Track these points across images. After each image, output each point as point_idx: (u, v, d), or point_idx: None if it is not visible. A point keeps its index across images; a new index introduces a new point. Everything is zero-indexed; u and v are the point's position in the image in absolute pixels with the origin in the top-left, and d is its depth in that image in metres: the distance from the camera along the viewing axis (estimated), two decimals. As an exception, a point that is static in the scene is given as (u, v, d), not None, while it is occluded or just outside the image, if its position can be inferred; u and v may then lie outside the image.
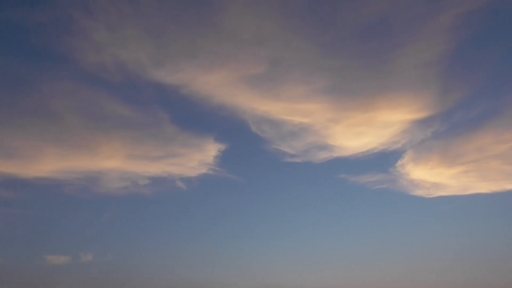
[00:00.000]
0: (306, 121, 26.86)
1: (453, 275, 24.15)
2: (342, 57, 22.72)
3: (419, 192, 25.10)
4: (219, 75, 24.85)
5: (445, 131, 23.98)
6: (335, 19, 21.74)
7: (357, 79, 23.38)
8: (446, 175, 24.66)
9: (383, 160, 25.35)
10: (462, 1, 20.76)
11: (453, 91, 23.17)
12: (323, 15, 21.70)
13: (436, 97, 22.90)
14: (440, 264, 24.38)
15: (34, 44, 27.61)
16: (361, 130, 25.04)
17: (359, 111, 24.38)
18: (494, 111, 23.40)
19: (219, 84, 25.27)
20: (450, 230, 25.22)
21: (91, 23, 22.12)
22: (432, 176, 24.90)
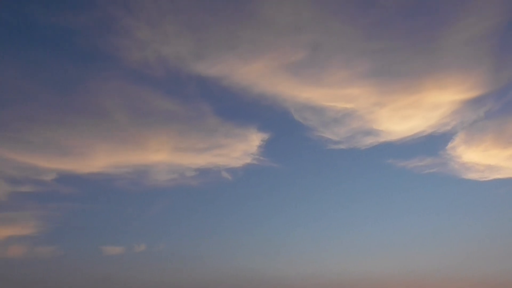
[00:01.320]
0: (349, 107, 26.30)
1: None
2: (385, 38, 21.98)
3: (472, 176, 24.08)
4: (259, 65, 24.83)
5: (499, 110, 22.79)
6: (376, -2, 21.04)
7: (402, 60, 22.55)
8: (502, 156, 23.48)
9: (432, 143, 24.45)
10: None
11: (507, 67, 21.88)
12: (363, -4, 21.06)
13: (488, 74, 21.70)
14: (497, 250, 23.29)
15: (81, 45, 28.83)
16: (408, 113, 24.24)
17: (406, 93, 23.57)
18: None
19: (259, 74, 25.26)
20: (507, 214, 24.02)
21: (133, 22, 22.75)
22: (486, 158, 23.80)
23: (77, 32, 25.87)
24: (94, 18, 23.09)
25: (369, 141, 26.79)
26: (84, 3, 23.90)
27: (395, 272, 24.84)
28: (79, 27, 24.67)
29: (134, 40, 23.65)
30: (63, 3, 23.83)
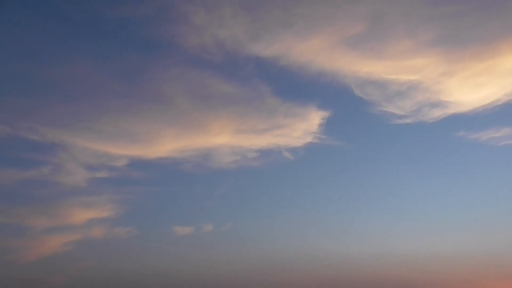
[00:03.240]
0: (414, 78, 24.94)
1: None
2: (452, 2, 20.41)
3: (556, 145, 22.07)
4: (317, 41, 24.23)
5: None
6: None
7: (472, 25, 20.86)
8: None
9: (509, 112, 22.64)
10: None
11: None
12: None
13: None
14: None
15: (142, 35, 29.97)
16: (480, 81, 22.52)
17: (477, 60, 21.87)
18: None
19: (317, 50, 24.68)
20: None
21: (190, 7, 23.08)
22: None
23: (138, 23, 26.87)
24: (153, 7, 23.79)
25: (437, 113, 25.31)
26: (142, -6, 24.73)
27: (469, 251, 23.65)
28: (139, 18, 25.61)
29: (191, 25, 24.09)
30: (123, -4, 24.84)
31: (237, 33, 24.83)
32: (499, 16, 20.09)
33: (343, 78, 26.37)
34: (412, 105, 26.09)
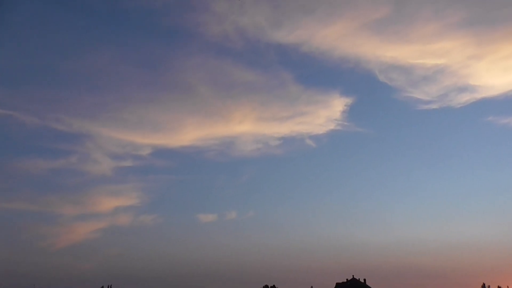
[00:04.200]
0: (441, 62, 23.89)
1: None
2: (483, -20, 19.22)
3: None
4: (339, 26, 23.51)
5: None
6: None
7: (502, 4, 19.66)
8: None
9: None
10: None
11: None
12: None
13: None
14: None
15: (164, 25, 29.87)
16: (511, 64, 21.31)
17: (508, 41, 20.70)
18: None
19: (339, 36, 24.01)
20: None
21: (210, -5, 22.63)
22: None
23: (160, 12, 26.79)
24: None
25: (465, 98, 24.26)
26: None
27: (499, 239, 22.75)
28: (161, 7, 25.51)
29: (212, 14, 23.82)
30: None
31: (258, 21, 24.31)
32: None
33: (366, 63, 25.59)
34: (438, 90, 25.07)
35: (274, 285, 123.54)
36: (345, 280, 79.28)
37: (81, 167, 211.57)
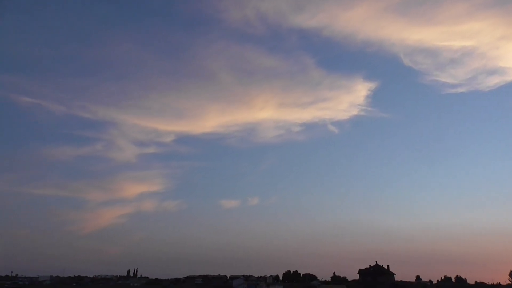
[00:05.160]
0: (469, 44, 22.96)
1: None
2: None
3: None
4: (362, 9, 22.85)
5: None
6: None
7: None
8: None
9: None
10: None
11: None
12: None
13: None
14: None
15: (185, 12, 29.73)
16: (547, 44, 20.27)
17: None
18: None
19: (363, 19, 23.36)
20: None
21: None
22: None
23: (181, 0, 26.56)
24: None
25: (494, 81, 23.35)
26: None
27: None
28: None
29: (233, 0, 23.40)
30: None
31: (280, 5, 23.87)
32: None
33: (390, 47, 24.87)
34: (466, 73, 24.16)
35: (295, 270, 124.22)
36: (368, 266, 79.06)
37: (106, 154, 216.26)
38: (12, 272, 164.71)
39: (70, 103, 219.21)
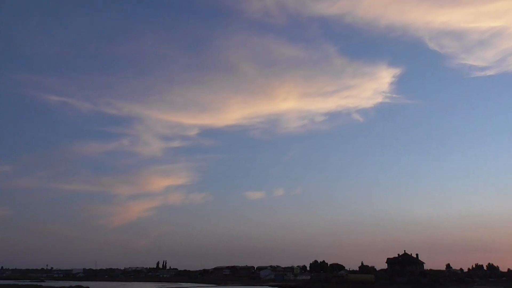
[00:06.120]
0: (497, 25, 22.04)
1: None
2: None
3: None
4: (384, -8, 22.17)
5: None
6: None
7: None
8: None
9: None
10: None
11: None
12: None
13: None
14: None
15: (204, 3, 29.70)
16: None
17: None
18: None
19: (385, 3, 22.75)
20: None
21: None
22: None
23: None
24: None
25: (527, 62, 22.31)
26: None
27: None
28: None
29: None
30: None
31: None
32: None
33: (415, 31, 24.16)
34: (495, 55, 23.26)
35: (322, 260, 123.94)
36: (397, 256, 78.05)
37: (133, 148, 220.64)
38: (47, 265, 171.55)
39: (96, 100, 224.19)
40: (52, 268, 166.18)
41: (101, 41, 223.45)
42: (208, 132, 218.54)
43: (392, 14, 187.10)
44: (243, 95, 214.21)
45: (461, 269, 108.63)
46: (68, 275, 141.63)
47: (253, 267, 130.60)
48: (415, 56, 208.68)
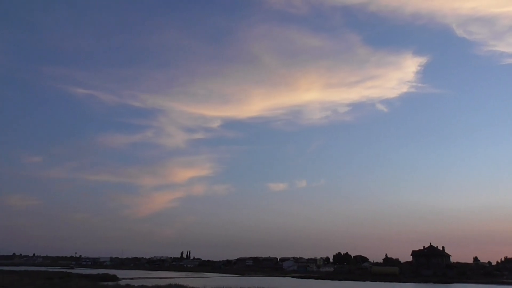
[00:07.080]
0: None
1: None
2: None
3: None
4: (412, -24, 21.58)
5: None
6: None
7: None
8: None
9: None
10: None
11: None
12: None
13: None
14: None
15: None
16: None
17: None
18: None
19: (412, -12, 22.03)
20: None
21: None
22: None
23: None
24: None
25: None
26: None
27: None
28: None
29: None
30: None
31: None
32: None
33: (442, 18, 23.49)
34: (529, 40, 22.39)
35: (345, 252, 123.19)
36: (422, 248, 76.93)
37: (157, 140, 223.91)
38: (76, 253, 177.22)
39: (120, 92, 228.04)
40: (80, 256, 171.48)
41: (125, 34, 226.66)
42: (230, 124, 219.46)
43: (418, 1, 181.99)
44: (265, 87, 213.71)
45: (489, 262, 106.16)
46: (95, 263, 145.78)
47: (276, 258, 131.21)
48: (442, 44, 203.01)
